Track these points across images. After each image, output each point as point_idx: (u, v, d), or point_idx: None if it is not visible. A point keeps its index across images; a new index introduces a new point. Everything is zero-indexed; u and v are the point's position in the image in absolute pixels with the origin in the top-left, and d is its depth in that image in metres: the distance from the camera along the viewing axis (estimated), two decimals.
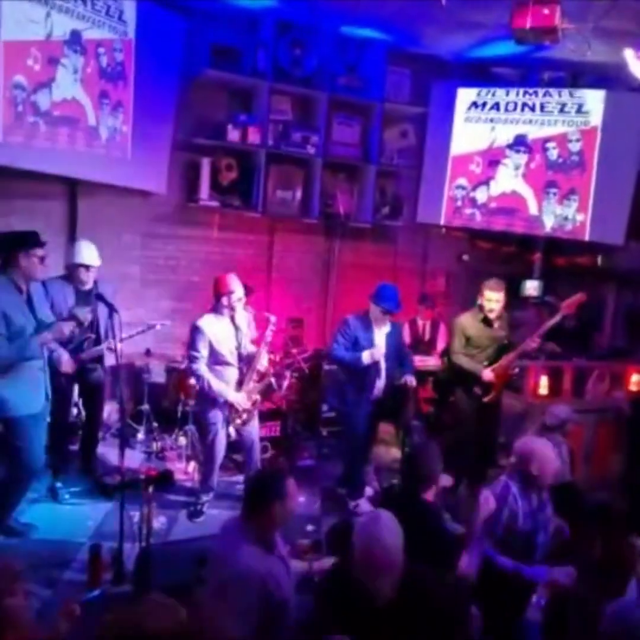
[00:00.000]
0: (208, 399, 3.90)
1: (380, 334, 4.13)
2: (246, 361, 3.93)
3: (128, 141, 4.83)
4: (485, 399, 4.32)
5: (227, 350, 3.86)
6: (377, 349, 4.05)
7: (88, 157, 4.54)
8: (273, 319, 4.03)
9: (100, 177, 4.66)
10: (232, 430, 4.21)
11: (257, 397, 3.96)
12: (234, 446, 4.44)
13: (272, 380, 4.14)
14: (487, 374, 4.26)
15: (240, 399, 3.85)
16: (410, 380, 4.15)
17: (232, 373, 3.90)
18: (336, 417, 5.12)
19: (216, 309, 3.90)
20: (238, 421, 3.94)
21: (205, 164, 5.24)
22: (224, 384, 3.84)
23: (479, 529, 2.73)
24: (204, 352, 3.81)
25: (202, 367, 3.81)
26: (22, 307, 3.22)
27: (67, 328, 3.32)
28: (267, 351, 4.01)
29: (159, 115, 4.99)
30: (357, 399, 4.15)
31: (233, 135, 5.25)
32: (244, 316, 4.01)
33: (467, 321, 4.36)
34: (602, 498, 3.40)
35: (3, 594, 1.76)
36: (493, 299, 4.25)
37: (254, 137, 5.28)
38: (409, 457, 2.90)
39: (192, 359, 3.85)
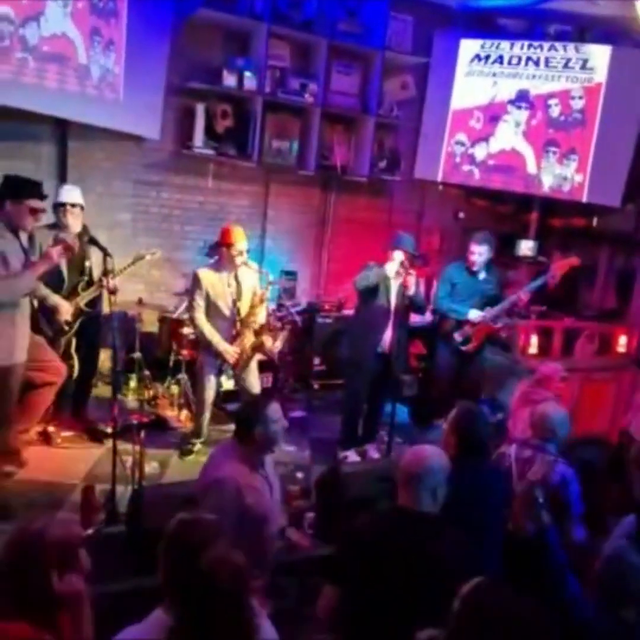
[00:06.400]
0: (202, 346, 3.95)
1: (395, 284, 4.11)
2: (244, 316, 3.91)
3: (120, 82, 4.66)
4: (464, 348, 4.43)
5: (224, 303, 3.85)
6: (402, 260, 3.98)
7: (79, 97, 4.38)
8: (271, 277, 4.05)
9: (91, 118, 4.51)
10: (224, 379, 4.26)
11: (249, 352, 3.94)
12: (227, 396, 4.50)
13: (270, 342, 4.10)
14: (474, 313, 4.39)
15: (230, 351, 3.87)
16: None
17: (228, 326, 3.89)
18: (330, 370, 5.16)
19: (218, 260, 3.91)
20: (230, 372, 3.98)
21: (200, 110, 5.09)
22: (217, 335, 3.85)
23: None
24: (200, 301, 3.83)
25: (198, 315, 3.85)
26: (17, 251, 3.16)
27: (56, 253, 3.23)
28: (265, 308, 4.02)
29: (152, 55, 4.80)
30: (364, 349, 4.17)
31: (229, 80, 5.08)
32: (250, 273, 3.94)
33: (454, 270, 4.57)
34: (586, 454, 3.52)
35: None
36: (475, 251, 4.43)
37: (250, 83, 5.12)
38: (462, 428, 2.57)
39: (190, 307, 3.94)
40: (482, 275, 4.51)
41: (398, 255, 3.99)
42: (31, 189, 3.16)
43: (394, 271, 3.99)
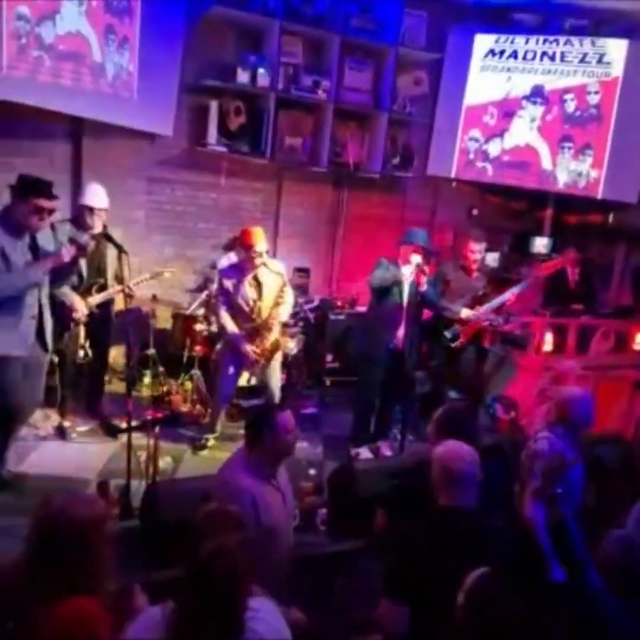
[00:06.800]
0: (223, 343, 4.07)
1: (408, 281, 4.10)
2: (265, 316, 3.94)
3: (135, 80, 4.69)
4: (453, 345, 4.48)
5: (244, 302, 3.91)
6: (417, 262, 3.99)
7: (94, 95, 4.42)
8: (284, 278, 4.08)
9: (106, 116, 4.54)
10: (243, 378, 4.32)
11: (269, 350, 3.97)
12: (241, 393, 4.52)
13: (287, 342, 4.13)
14: (465, 312, 4.45)
15: (248, 350, 3.90)
16: None
17: (248, 325, 3.94)
18: (343, 367, 5.16)
19: (239, 261, 4.02)
20: (251, 369, 4.09)
21: (214, 107, 5.10)
22: (237, 332, 3.92)
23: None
24: (222, 300, 3.95)
25: (222, 313, 3.96)
26: (21, 248, 3.12)
27: (67, 253, 3.20)
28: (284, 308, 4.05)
29: (166, 53, 4.82)
30: (377, 346, 4.16)
31: (242, 77, 5.09)
32: (271, 274, 3.94)
33: (448, 268, 4.62)
34: (598, 452, 3.49)
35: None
36: (475, 249, 4.51)
37: (263, 80, 5.12)
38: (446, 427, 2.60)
39: (215, 305, 4.14)
40: (475, 274, 4.58)
41: (415, 258, 3.98)
42: (38, 188, 3.12)
43: (411, 273, 4.01)
